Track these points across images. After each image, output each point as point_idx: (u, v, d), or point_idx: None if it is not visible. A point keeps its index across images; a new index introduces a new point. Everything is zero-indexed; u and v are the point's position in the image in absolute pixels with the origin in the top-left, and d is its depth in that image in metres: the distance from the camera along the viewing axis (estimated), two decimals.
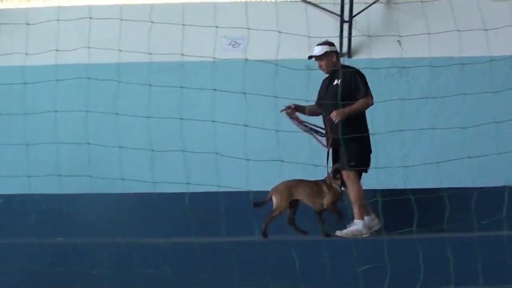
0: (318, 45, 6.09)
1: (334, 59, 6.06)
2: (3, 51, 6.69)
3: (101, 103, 6.54)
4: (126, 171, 5.71)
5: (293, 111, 6.03)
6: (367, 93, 5.88)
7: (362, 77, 5.96)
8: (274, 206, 5.70)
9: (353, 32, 8.17)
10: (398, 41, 7.62)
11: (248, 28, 5.58)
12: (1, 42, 7.34)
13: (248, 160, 5.26)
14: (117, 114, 5.75)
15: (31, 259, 4.95)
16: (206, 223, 5.75)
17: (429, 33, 5.58)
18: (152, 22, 5.59)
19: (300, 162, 5.56)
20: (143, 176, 5.80)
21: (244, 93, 5.39)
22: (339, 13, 8.01)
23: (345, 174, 5.82)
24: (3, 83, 7.07)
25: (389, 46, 7.50)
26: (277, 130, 5.41)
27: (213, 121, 5.41)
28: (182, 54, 5.37)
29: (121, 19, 5.53)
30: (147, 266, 4.70)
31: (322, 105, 6.06)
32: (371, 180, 6.13)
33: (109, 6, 7.38)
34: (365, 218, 5.84)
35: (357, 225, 5.75)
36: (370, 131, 5.96)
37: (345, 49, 8.31)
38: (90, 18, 5.74)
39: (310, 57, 6.12)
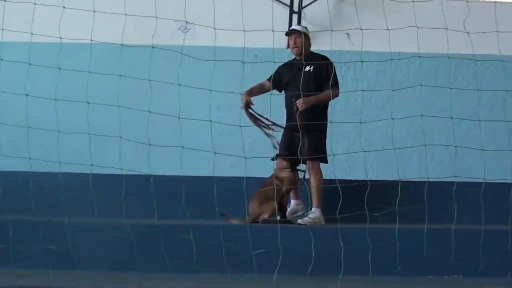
0: (295, 25, 6.43)
1: (308, 44, 6.09)
2: None
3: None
4: None
5: (249, 104, 6.03)
6: (337, 85, 5.94)
7: (335, 68, 5.97)
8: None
9: (302, 23, 8.19)
10: (347, 33, 7.67)
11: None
12: None
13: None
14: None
15: None
16: None
17: (377, 28, 5.60)
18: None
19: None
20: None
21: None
22: (288, 3, 8.02)
23: (309, 163, 5.88)
24: None
25: (338, 39, 7.52)
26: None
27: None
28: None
29: None
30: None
31: (289, 89, 6.04)
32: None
33: None
34: (292, 201, 6.03)
35: (315, 213, 5.75)
36: None
37: None
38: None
39: (288, 32, 6.19)
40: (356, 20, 7.21)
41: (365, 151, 5.65)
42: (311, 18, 8.13)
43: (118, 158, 4.93)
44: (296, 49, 6.04)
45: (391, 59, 6.01)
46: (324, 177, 5.93)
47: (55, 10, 5.55)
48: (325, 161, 5.95)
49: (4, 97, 5.92)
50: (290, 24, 8.18)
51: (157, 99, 5.62)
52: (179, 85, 4.84)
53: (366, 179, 5.41)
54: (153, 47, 5.13)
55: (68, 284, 4.10)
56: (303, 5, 8.04)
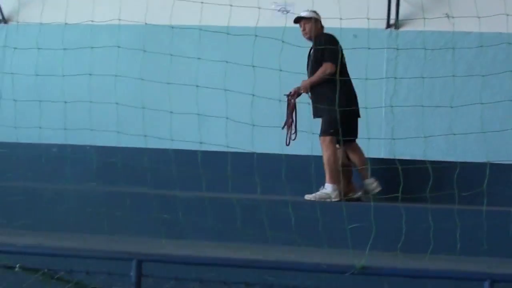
0: (305, 11, 6.29)
1: (319, 27, 6.24)
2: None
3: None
4: None
5: (293, 96, 6.19)
6: (328, 60, 5.92)
7: (329, 43, 5.93)
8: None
9: (401, 4, 8.20)
10: (447, 14, 7.61)
11: None
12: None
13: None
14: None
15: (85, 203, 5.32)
16: None
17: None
18: None
19: None
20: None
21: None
22: None
23: (321, 139, 5.98)
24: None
25: (438, 20, 7.48)
26: None
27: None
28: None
29: None
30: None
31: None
32: (414, 151, 6.24)
33: None
34: (365, 181, 6.09)
35: (327, 189, 5.87)
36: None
37: (392, 21, 8.39)
38: None
39: (296, 20, 6.30)
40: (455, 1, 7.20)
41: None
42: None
43: (224, 136, 5.27)
44: (306, 34, 6.27)
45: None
46: (415, 157, 6.03)
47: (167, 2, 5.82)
48: (333, 135, 5.86)
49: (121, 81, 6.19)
50: (390, 5, 8.25)
51: (260, 82, 5.91)
52: (280, 70, 5.00)
53: (456, 160, 5.46)
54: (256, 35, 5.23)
55: (178, 252, 4.29)
56: None
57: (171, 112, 5.37)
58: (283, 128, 6.19)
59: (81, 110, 6.28)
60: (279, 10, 8.92)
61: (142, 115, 5.35)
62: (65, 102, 6.20)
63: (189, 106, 5.78)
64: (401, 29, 8.54)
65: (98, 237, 4.83)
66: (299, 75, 5.96)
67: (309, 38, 6.25)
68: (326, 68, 5.92)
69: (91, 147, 6.96)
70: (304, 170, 5.48)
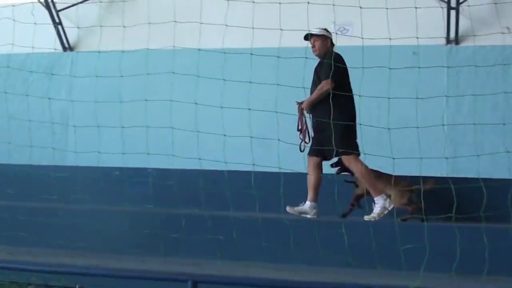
0: (317, 28, 6.22)
1: (328, 44, 6.18)
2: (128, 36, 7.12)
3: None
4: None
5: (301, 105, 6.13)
6: (325, 77, 5.83)
7: (335, 61, 5.81)
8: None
9: (460, 19, 8.09)
10: (508, 28, 7.47)
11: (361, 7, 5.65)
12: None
13: None
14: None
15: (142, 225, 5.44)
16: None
17: None
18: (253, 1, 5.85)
19: None
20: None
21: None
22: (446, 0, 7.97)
23: (308, 159, 5.97)
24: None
25: (497, 34, 7.34)
26: None
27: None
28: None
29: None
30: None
31: None
32: (473, 169, 6.11)
33: None
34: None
35: (306, 205, 5.91)
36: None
37: (452, 36, 8.29)
38: None
39: (306, 37, 6.24)
40: None
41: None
42: (469, 14, 8.03)
43: (276, 157, 5.31)
44: (315, 51, 6.20)
45: None
46: (465, 175, 5.82)
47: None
48: (324, 158, 5.91)
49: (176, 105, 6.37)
50: (449, 21, 8.15)
51: None
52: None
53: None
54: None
55: (233, 273, 4.35)
56: (460, 1, 7.97)
57: (225, 135, 5.45)
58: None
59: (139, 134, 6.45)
60: (337, 30, 8.95)
61: (197, 138, 5.45)
62: (122, 127, 6.38)
63: (242, 129, 5.85)
64: (461, 45, 8.42)
65: (154, 258, 4.92)
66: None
67: (318, 55, 6.21)
68: (324, 85, 5.88)
69: (153, 169, 7.10)
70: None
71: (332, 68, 5.60)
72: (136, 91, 7.34)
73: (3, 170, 7.90)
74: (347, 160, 5.88)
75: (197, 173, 5.93)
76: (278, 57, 5.54)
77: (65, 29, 11.46)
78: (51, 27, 11.23)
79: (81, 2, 11.49)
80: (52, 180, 6.23)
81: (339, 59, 5.97)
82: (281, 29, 5.53)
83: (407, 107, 6.14)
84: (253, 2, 5.94)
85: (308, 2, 5.61)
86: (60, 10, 11.42)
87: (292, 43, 6.33)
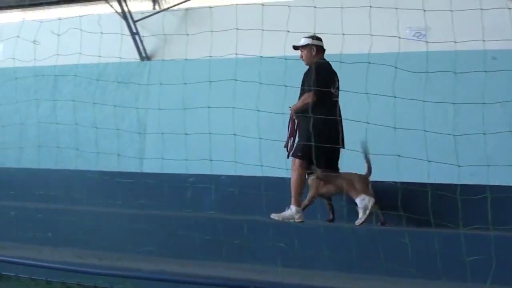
0: (304, 37, 6.36)
1: (314, 53, 6.29)
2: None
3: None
4: None
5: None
6: (310, 89, 5.98)
7: (315, 72, 6.03)
8: None
9: None
10: None
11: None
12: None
13: None
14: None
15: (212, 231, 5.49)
16: None
17: None
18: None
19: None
20: None
21: None
22: None
23: (292, 161, 6.09)
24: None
25: None
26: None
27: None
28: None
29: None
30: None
31: None
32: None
33: None
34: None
35: (291, 210, 5.93)
36: None
37: None
38: None
39: (294, 47, 6.39)
40: None
41: None
42: None
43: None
44: (304, 61, 6.39)
45: None
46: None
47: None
48: (301, 158, 5.96)
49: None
50: None
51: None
52: (394, 97, 4.90)
53: None
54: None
55: (293, 280, 4.31)
56: None
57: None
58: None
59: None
60: (413, 35, 8.80)
61: (259, 144, 5.47)
62: (210, 133, 6.45)
63: None
64: None
65: (217, 264, 4.97)
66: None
67: (307, 64, 6.36)
68: (306, 97, 6.05)
69: (226, 176, 7.17)
70: (417, 199, 5.37)
71: (316, 76, 5.93)
72: (223, 98, 7.35)
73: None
74: (292, 162, 6.10)
75: (259, 180, 5.96)
76: (341, 62, 5.48)
77: (142, 38, 11.79)
78: (128, 37, 11.55)
79: (157, 12, 11.80)
80: (117, 186, 6.42)
81: (320, 68, 6.12)
82: (343, 34, 5.47)
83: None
84: (315, 7, 5.90)
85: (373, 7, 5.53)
86: (137, 21, 11.76)
87: (354, 49, 6.30)
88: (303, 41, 6.38)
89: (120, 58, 8.98)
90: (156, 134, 8.14)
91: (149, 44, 11.88)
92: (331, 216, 6.10)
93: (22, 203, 7.01)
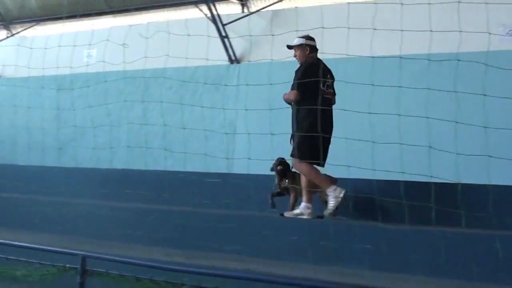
0: (297, 37, 6.61)
1: (307, 52, 6.50)
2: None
3: None
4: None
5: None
6: (293, 88, 6.29)
7: (301, 71, 6.29)
8: None
9: None
10: None
11: None
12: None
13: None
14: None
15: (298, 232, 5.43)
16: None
17: None
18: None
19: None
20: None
21: None
22: None
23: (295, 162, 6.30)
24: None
25: None
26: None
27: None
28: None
29: None
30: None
31: None
32: None
33: None
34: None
35: (299, 208, 6.29)
36: None
37: None
38: None
39: (288, 47, 6.63)
40: None
41: None
42: None
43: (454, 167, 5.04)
44: (297, 60, 6.60)
45: None
46: None
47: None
48: (306, 158, 6.11)
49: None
50: None
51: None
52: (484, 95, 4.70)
53: None
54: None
55: (380, 284, 4.24)
56: None
57: (401, 143, 5.41)
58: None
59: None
60: (507, 33, 8.50)
61: (372, 147, 5.39)
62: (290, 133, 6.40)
63: (419, 138, 5.71)
64: None
65: (303, 265, 4.92)
66: None
67: (300, 63, 6.55)
68: (290, 95, 6.34)
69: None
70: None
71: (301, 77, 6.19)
72: None
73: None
74: (294, 162, 6.35)
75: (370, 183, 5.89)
76: (458, 60, 5.35)
77: (231, 41, 11.92)
78: (217, 41, 11.71)
79: (246, 15, 11.90)
80: (205, 186, 6.50)
81: (309, 68, 6.30)
82: (460, 31, 5.35)
83: None
84: (401, 4, 5.77)
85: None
86: (226, 24, 11.91)
87: (470, 48, 6.14)
88: (297, 41, 6.61)
89: (210, 61, 9.18)
90: (245, 135, 8.17)
91: (238, 47, 11.99)
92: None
93: (114, 203, 7.19)
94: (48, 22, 14.77)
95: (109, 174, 9.33)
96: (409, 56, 7.10)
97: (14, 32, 15.28)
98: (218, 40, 11.64)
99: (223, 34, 11.95)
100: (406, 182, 5.97)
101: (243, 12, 12.41)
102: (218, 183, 6.89)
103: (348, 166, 5.38)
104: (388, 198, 5.56)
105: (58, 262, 4.69)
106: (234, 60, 12.05)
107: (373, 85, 5.68)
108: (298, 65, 6.56)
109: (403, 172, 5.43)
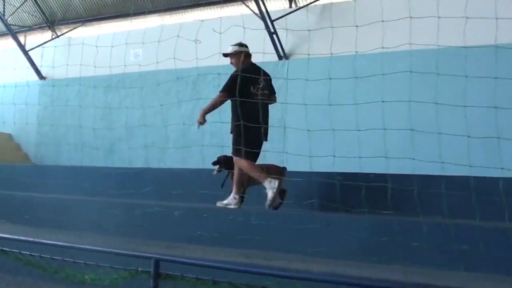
0: (231, 45, 7.12)
1: (242, 58, 7.00)
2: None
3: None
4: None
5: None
6: (222, 90, 6.77)
7: (231, 77, 6.75)
8: None
9: None
10: None
11: None
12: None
13: None
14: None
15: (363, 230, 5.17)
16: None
17: None
18: None
19: None
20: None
21: None
22: None
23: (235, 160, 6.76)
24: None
25: None
26: None
27: None
28: None
29: None
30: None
31: None
32: None
33: None
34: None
35: (227, 199, 6.73)
36: None
37: None
38: None
39: (224, 55, 7.16)
40: None
41: None
42: None
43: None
44: (233, 66, 7.07)
45: None
46: None
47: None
48: (240, 156, 6.57)
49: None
50: None
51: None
52: None
53: None
54: None
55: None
56: None
57: (468, 136, 5.15)
58: None
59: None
60: None
61: (438, 140, 5.13)
62: (358, 130, 6.24)
63: (486, 129, 5.41)
64: None
65: (394, 267, 4.65)
66: None
67: (236, 69, 6.90)
68: (216, 97, 6.85)
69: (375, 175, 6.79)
70: None
71: (229, 82, 6.71)
72: (372, 93, 7.10)
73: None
74: (234, 160, 6.78)
75: (438, 179, 5.61)
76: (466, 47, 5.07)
77: (280, 37, 11.71)
78: (264, 37, 11.54)
79: (294, 10, 11.67)
80: None
81: (240, 73, 6.58)
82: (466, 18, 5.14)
83: None
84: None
85: None
86: (274, 20, 11.69)
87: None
88: (231, 49, 7.12)
89: (262, 56, 9.00)
90: (297, 133, 7.92)
91: (287, 42, 11.80)
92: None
93: (188, 203, 7.03)
94: (93, 22, 14.74)
95: (180, 174, 9.01)
96: (475, 46, 6.81)
97: (59, 33, 15.29)
98: (262, 36, 11.45)
99: (272, 30, 11.74)
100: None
101: (290, 7, 12.17)
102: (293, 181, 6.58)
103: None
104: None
105: (129, 266, 4.47)
106: (283, 56, 11.83)
107: (437, 74, 5.41)
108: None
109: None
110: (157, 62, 10.00)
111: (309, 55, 7.47)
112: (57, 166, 12.18)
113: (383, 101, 5.91)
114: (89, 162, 12.28)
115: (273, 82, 9.82)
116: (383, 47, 6.36)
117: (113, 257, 4.56)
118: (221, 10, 12.85)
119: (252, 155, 6.70)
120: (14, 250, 5.04)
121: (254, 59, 9.07)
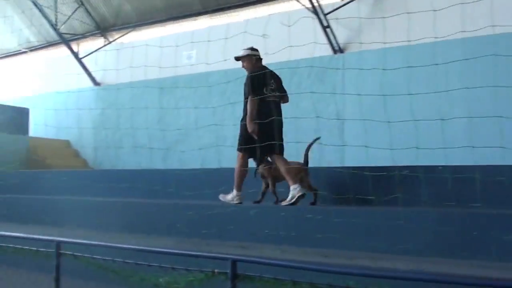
0: (243, 49, 7.27)
1: (253, 61, 7.18)
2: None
3: None
4: None
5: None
6: (249, 94, 6.91)
7: (247, 80, 6.99)
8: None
9: None
10: None
11: None
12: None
13: None
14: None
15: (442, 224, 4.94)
16: None
17: None
18: None
19: None
20: None
21: None
22: None
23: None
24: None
25: None
26: None
27: None
28: None
29: None
30: None
31: None
32: None
33: None
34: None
35: (229, 195, 7.03)
36: None
37: None
38: None
39: (235, 58, 7.28)
40: None
41: None
42: None
43: None
44: (245, 69, 7.22)
45: None
46: None
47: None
48: (240, 151, 6.99)
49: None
50: None
51: None
52: None
53: None
54: None
55: None
56: None
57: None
58: None
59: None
60: None
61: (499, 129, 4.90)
62: (415, 120, 6.06)
63: None
64: None
65: (480, 263, 4.42)
66: None
67: (251, 73, 7.06)
68: (250, 105, 6.88)
69: (443, 167, 6.51)
70: None
71: (249, 85, 6.93)
72: (426, 83, 6.92)
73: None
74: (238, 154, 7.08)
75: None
76: None
77: (334, 31, 11.53)
78: (320, 32, 11.39)
79: (347, 3, 11.46)
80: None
81: (254, 77, 6.93)
82: None
83: None
84: None
85: None
86: (327, 14, 11.52)
87: None
88: (243, 52, 7.26)
89: (317, 50, 8.83)
90: (356, 125, 7.67)
91: (341, 36, 11.63)
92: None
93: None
94: (144, 26, 14.80)
95: (214, 173, 8.88)
96: None
97: (111, 39, 15.41)
98: (314, 31, 11.29)
99: (325, 24, 11.56)
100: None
101: (342, 0, 11.98)
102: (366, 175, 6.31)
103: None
104: None
105: (204, 267, 4.36)
106: (337, 50, 11.65)
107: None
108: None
109: None
110: (211, 63, 9.95)
111: (361, 43, 7.28)
112: (117, 170, 12.21)
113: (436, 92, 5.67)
114: (148, 164, 12.30)
115: (331, 77, 9.79)
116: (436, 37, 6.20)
117: (188, 259, 4.45)
118: (271, 7, 12.71)
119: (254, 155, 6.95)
120: (86, 255, 5.00)
121: (308, 54, 9.02)
